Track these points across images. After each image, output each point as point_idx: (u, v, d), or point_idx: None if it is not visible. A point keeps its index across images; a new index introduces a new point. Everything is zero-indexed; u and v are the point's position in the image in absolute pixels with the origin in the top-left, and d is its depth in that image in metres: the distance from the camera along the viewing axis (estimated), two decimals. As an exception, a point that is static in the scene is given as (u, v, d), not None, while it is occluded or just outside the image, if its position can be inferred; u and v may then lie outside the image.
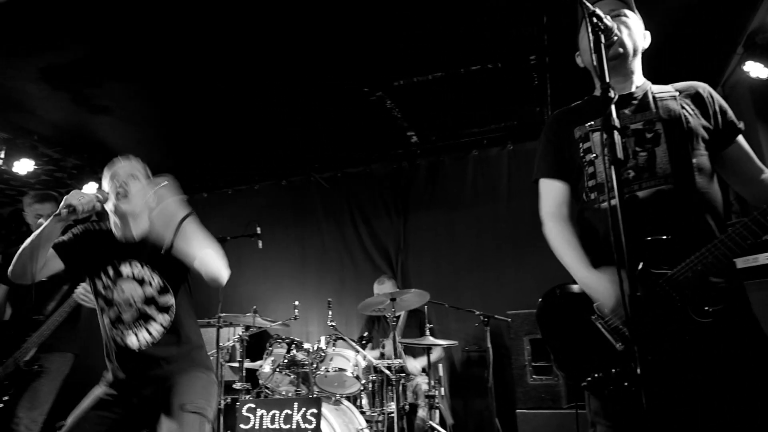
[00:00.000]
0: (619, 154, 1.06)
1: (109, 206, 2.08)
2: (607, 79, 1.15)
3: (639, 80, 1.67)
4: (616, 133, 1.09)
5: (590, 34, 1.20)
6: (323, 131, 4.85)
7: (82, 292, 2.81)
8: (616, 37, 1.32)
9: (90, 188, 5.06)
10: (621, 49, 1.56)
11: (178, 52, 3.58)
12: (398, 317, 3.71)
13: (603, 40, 1.20)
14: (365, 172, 5.45)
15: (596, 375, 1.48)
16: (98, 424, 1.97)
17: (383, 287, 4.38)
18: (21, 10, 3.01)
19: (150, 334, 2.07)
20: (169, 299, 2.10)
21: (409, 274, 5.07)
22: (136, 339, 2.06)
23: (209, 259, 2.05)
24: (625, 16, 1.60)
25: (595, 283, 1.51)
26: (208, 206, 5.96)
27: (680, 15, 3.27)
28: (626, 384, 1.42)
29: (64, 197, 1.96)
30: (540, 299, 1.68)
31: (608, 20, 1.23)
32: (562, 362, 1.61)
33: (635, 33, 1.61)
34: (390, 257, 5.16)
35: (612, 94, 1.12)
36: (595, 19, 1.21)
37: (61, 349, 3.24)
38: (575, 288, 1.61)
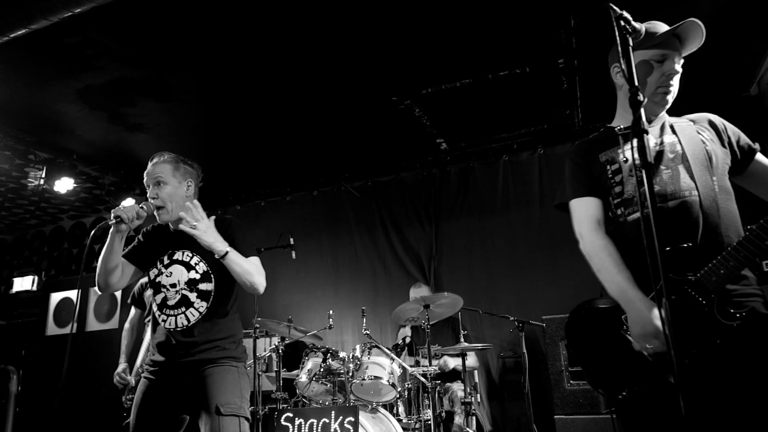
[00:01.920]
0: (650, 157, 1.05)
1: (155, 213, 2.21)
2: (636, 83, 1.14)
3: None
4: (646, 136, 1.08)
5: (618, 37, 1.19)
6: (353, 141, 4.90)
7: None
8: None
9: (129, 201, 5.23)
10: (665, 100, 1.66)
11: (209, 68, 3.69)
12: (432, 325, 3.70)
13: (630, 42, 1.19)
14: (395, 180, 5.47)
15: (634, 388, 1.48)
16: (153, 410, 2.10)
17: (420, 290, 4.39)
18: (59, 34, 3.15)
19: (187, 318, 2.16)
20: (209, 286, 2.20)
21: (442, 281, 5.05)
22: (175, 322, 2.17)
23: (248, 266, 2.16)
24: (677, 72, 1.65)
25: (639, 306, 1.47)
26: (241, 218, 6.09)
27: (713, 12, 3.19)
28: (661, 395, 1.41)
29: (111, 211, 2.15)
30: (568, 317, 1.70)
31: (637, 23, 1.22)
32: (596, 378, 1.61)
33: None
34: (423, 265, 5.16)
35: (641, 97, 1.11)
36: (623, 22, 1.20)
37: None
38: (602, 303, 1.62)
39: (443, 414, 3.65)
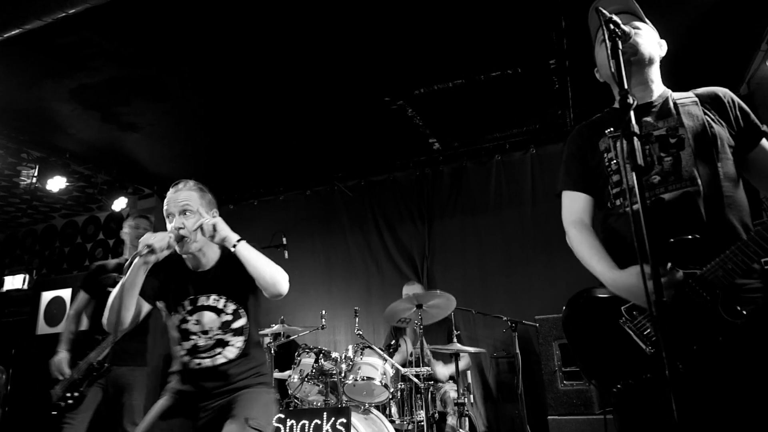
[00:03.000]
0: (640, 160, 1.06)
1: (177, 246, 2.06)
2: (626, 86, 1.14)
3: (659, 89, 1.67)
4: (635, 139, 1.08)
5: (607, 41, 1.20)
6: (346, 141, 4.90)
7: None
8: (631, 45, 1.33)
9: (122, 201, 5.19)
10: (635, 56, 1.56)
11: (203, 68, 3.68)
12: (427, 327, 3.70)
13: (620, 46, 1.19)
14: (388, 180, 5.47)
15: (630, 381, 1.46)
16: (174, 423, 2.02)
17: (413, 287, 4.40)
18: (53, 34, 3.13)
19: (226, 357, 2.10)
20: (243, 321, 2.14)
21: (435, 280, 5.05)
22: (212, 361, 2.09)
23: (264, 258, 2.08)
24: (637, 28, 1.59)
25: (624, 280, 1.48)
26: (235, 218, 6.07)
27: (703, 11, 3.21)
28: (658, 390, 1.39)
29: (140, 240, 1.96)
30: (565, 306, 1.66)
31: (626, 26, 1.23)
32: (590, 369, 1.58)
33: (648, 42, 1.61)
34: (416, 264, 5.16)
35: (631, 100, 1.11)
36: (612, 26, 1.20)
37: (138, 364, 3.41)
38: (601, 293, 1.59)
39: (436, 415, 3.65)
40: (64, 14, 2.60)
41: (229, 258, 2.09)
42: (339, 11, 3.10)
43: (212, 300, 2.11)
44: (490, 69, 3.76)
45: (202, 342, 2.09)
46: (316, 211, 5.73)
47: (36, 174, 4.52)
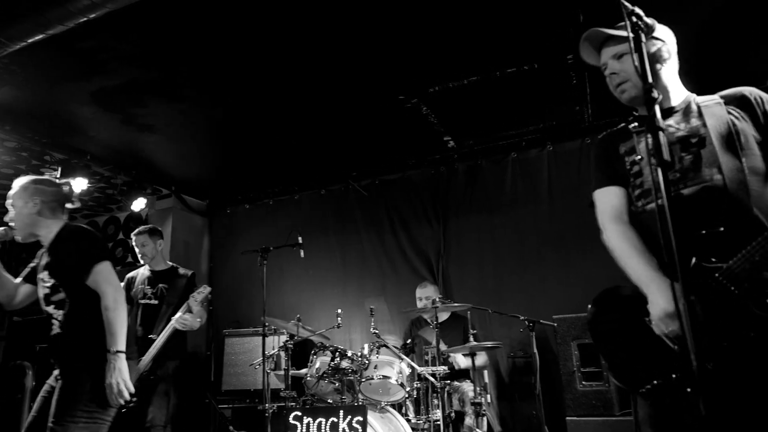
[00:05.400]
0: (666, 155, 1.03)
1: None
2: (650, 79, 1.12)
3: (680, 94, 1.67)
4: (661, 134, 1.06)
5: (630, 34, 1.17)
6: (360, 140, 4.90)
7: (180, 321, 3.52)
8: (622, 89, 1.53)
9: (139, 203, 5.27)
10: (630, 94, 1.63)
11: (218, 69, 3.70)
12: (441, 323, 3.69)
13: (644, 38, 1.17)
14: (403, 179, 5.46)
15: (655, 382, 1.43)
16: None
17: (425, 290, 4.39)
18: (74, 39, 3.18)
19: (55, 330, 2.40)
20: (62, 296, 2.39)
21: (451, 279, 5.03)
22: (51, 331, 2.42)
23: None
24: (624, 53, 1.64)
25: (655, 287, 1.45)
26: (251, 217, 6.12)
27: (719, 11, 3.15)
28: (688, 390, 1.36)
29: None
30: (590, 305, 1.63)
31: (649, 19, 1.20)
32: (617, 369, 1.55)
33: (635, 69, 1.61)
34: (431, 263, 5.14)
35: (655, 94, 1.09)
36: (635, 18, 1.18)
37: (170, 357, 3.66)
38: (627, 290, 1.56)
39: (453, 414, 3.63)
40: (84, 19, 2.64)
41: (58, 236, 2.41)
42: (352, 9, 3.09)
43: (44, 275, 2.41)
44: (505, 65, 3.72)
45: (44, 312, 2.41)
46: (331, 211, 5.74)
47: (59, 176, 4.60)
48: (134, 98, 4.00)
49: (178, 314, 3.56)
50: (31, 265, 2.56)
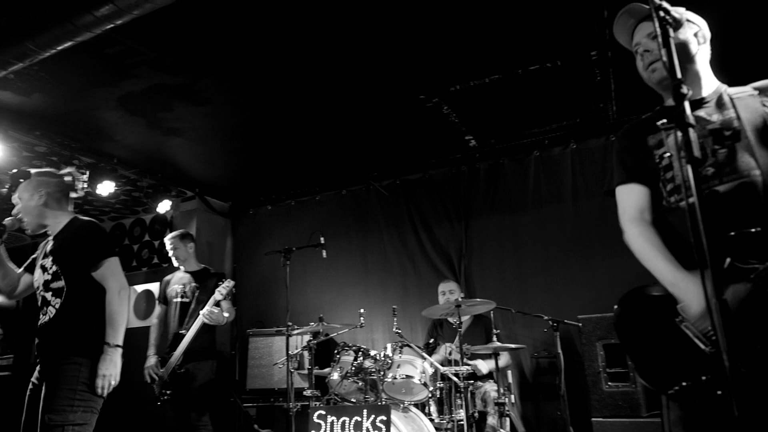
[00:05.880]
0: (696, 152, 1.01)
1: None
2: (679, 75, 1.09)
3: (710, 84, 1.61)
4: (691, 130, 1.03)
5: (658, 29, 1.15)
6: (381, 140, 4.90)
7: (206, 314, 3.76)
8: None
9: (164, 206, 5.36)
10: (660, 74, 1.56)
11: (240, 72, 3.75)
12: (462, 323, 3.68)
13: (672, 33, 1.15)
14: (424, 178, 5.44)
15: (684, 384, 1.39)
16: None
17: (448, 285, 4.38)
18: (101, 45, 3.26)
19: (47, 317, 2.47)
20: (61, 284, 2.45)
21: (473, 279, 5.00)
22: (41, 320, 2.51)
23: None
24: (649, 51, 1.58)
25: (685, 285, 1.42)
26: (273, 218, 6.19)
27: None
28: (719, 393, 1.32)
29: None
30: (617, 305, 1.60)
31: (677, 12, 1.18)
32: (646, 370, 1.51)
33: (680, 44, 1.55)
34: (453, 263, 5.12)
35: (685, 89, 1.07)
36: (662, 12, 1.16)
37: (203, 358, 3.92)
38: (655, 290, 1.52)
39: (476, 414, 3.62)
40: (111, 26, 2.70)
41: (68, 227, 2.49)
42: (373, 9, 3.10)
43: (47, 261, 2.47)
44: (528, 63, 3.68)
45: (38, 300, 2.47)
46: (352, 211, 5.76)
47: (87, 179, 4.72)
48: (160, 102, 4.08)
49: (206, 307, 3.79)
50: (33, 256, 2.63)
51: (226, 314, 3.95)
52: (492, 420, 3.68)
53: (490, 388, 3.88)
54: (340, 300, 5.48)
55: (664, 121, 1.29)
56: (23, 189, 2.52)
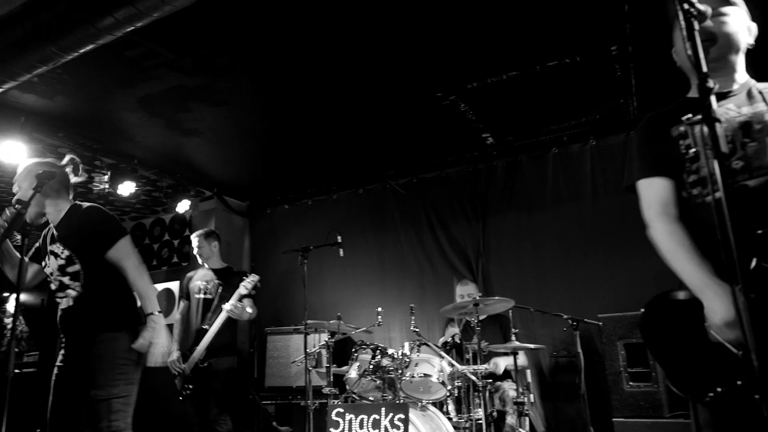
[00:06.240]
0: (724, 147, 0.98)
1: None
2: (704, 69, 1.06)
3: (741, 78, 1.57)
4: (718, 125, 1.00)
5: (682, 21, 1.13)
6: (397, 138, 4.90)
7: (229, 308, 3.80)
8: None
9: (183, 205, 5.42)
10: (713, 45, 1.49)
11: (257, 72, 3.78)
12: (481, 321, 3.66)
13: (696, 26, 1.12)
14: (441, 177, 5.42)
15: (719, 390, 1.34)
16: None
17: (466, 288, 4.34)
18: (121, 47, 3.31)
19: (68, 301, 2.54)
20: (77, 267, 2.51)
21: (491, 278, 4.97)
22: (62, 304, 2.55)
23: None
24: (723, 14, 1.51)
25: (712, 292, 1.37)
26: (290, 217, 6.22)
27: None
28: (756, 397, 1.28)
29: None
30: (643, 309, 1.56)
31: (701, 5, 1.15)
32: (677, 377, 1.45)
33: (733, 30, 1.51)
34: (470, 262, 5.09)
35: (711, 84, 1.04)
36: (686, 5, 1.13)
37: (225, 354, 4.00)
38: (682, 295, 1.48)
39: (495, 413, 3.60)
40: (132, 28, 2.74)
41: (70, 213, 2.57)
42: (389, 6, 3.09)
43: (56, 247, 2.53)
44: (546, 59, 3.64)
45: (53, 285, 2.53)
46: (369, 210, 5.76)
47: (108, 180, 4.80)
48: (178, 103, 4.13)
49: (231, 301, 3.89)
50: (36, 245, 2.69)
51: (249, 309, 4.00)
52: (511, 419, 3.66)
53: (508, 387, 3.85)
54: (357, 299, 5.49)
55: (690, 116, 1.26)
56: (23, 178, 2.57)
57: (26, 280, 2.71)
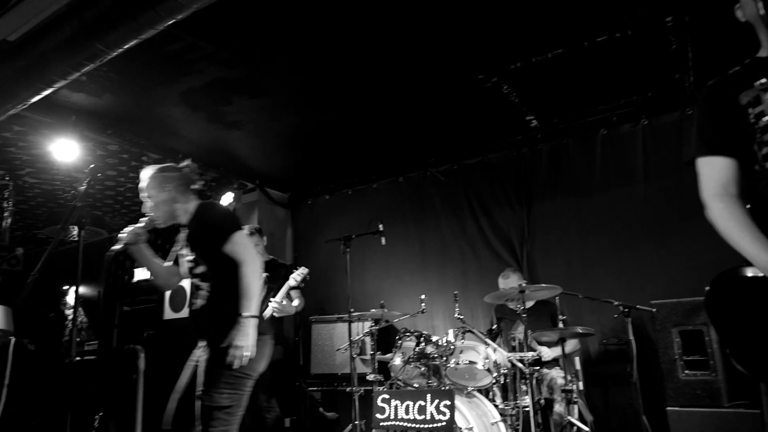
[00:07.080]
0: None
1: None
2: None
3: None
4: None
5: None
6: (438, 124, 4.82)
7: (275, 306, 3.92)
8: None
9: (227, 198, 5.54)
10: None
11: (297, 63, 3.78)
12: (527, 310, 3.58)
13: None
14: (483, 162, 5.31)
15: None
16: None
17: (509, 281, 4.23)
18: (163, 42, 3.37)
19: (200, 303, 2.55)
20: (203, 269, 2.53)
21: (536, 265, 4.85)
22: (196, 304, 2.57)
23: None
24: None
25: None
26: (331, 208, 6.26)
27: None
28: None
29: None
30: (708, 286, 1.48)
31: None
32: (743, 354, 1.39)
33: None
34: (514, 249, 4.98)
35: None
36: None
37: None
38: (750, 271, 1.40)
39: (542, 401, 3.52)
40: (173, 20, 2.78)
41: (195, 213, 2.61)
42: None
43: (185, 250, 2.60)
44: (594, 34, 3.46)
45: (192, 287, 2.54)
46: (409, 198, 5.72)
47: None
48: (220, 96, 4.19)
49: (277, 298, 3.91)
50: (173, 250, 2.75)
51: (295, 303, 4.07)
52: (559, 407, 3.58)
53: (556, 374, 3.76)
54: (400, 287, 5.48)
55: (764, 80, 1.15)
56: (151, 187, 2.61)
57: (172, 282, 2.79)
